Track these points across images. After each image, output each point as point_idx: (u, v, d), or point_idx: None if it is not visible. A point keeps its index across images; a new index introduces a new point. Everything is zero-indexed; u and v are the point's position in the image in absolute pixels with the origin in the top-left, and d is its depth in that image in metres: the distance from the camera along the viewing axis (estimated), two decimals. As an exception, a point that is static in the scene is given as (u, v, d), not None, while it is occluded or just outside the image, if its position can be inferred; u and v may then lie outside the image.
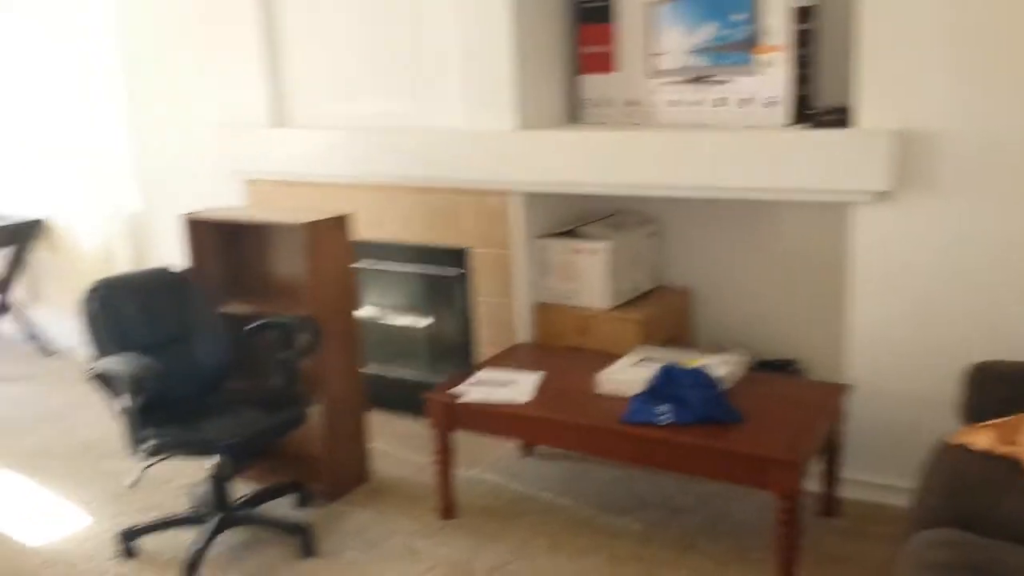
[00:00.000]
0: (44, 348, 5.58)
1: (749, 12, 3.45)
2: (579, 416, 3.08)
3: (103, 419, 4.11)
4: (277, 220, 3.51)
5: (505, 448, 3.88)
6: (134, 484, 3.64)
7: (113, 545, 3.27)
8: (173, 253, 4.44)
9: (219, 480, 3.23)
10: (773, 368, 3.73)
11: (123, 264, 5.09)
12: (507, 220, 3.84)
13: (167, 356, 3.20)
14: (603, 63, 3.84)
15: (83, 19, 4.96)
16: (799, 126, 3.37)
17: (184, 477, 3.71)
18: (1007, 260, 3.04)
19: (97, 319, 3.11)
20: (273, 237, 3.77)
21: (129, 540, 3.25)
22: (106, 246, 5.22)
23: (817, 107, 3.40)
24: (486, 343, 3.99)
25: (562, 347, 3.80)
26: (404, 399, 4.13)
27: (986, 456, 2.45)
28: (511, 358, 3.67)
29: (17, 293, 5.55)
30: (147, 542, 3.29)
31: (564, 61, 3.96)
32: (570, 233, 3.87)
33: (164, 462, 3.11)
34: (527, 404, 3.18)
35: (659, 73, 3.71)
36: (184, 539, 3.21)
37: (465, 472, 3.65)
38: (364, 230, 4.13)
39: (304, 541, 3.21)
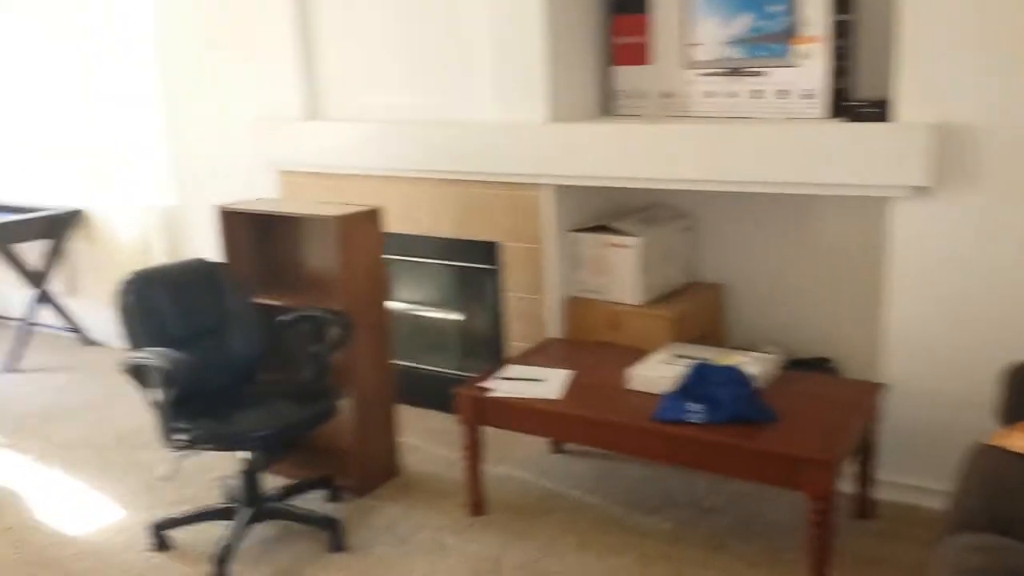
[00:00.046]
0: (83, 339, 5.65)
1: (787, 2, 3.39)
2: (609, 413, 3.05)
3: (139, 410, 4.15)
4: (309, 212, 3.52)
5: (535, 444, 3.86)
6: (167, 476, 3.66)
7: (145, 537, 3.30)
8: (208, 245, 4.47)
9: (251, 473, 3.24)
10: (808, 366, 3.68)
11: (159, 256, 5.14)
12: (539, 214, 3.82)
13: (201, 348, 3.22)
14: (637, 54, 3.80)
15: (121, 14, 4.99)
16: (837, 119, 3.32)
17: (217, 470, 3.74)
18: (1049, 258, 2.97)
19: (131, 311, 3.13)
20: (306, 229, 3.78)
21: (161, 532, 3.27)
22: (143, 238, 5.27)
23: (855, 100, 3.33)
24: (517, 338, 3.98)
25: (593, 342, 3.78)
26: (434, 393, 4.12)
27: (1024, 459, 2.39)
28: (541, 353, 3.66)
29: (56, 284, 5.61)
30: (179, 534, 3.31)
31: (597, 52, 3.92)
32: (602, 227, 3.84)
33: (197, 454, 3.13)
34: (557, 400, 3.16)
35: (694, 64, 3.66)
36: (216, 532, 3.23)
37: (494, 468, 3.64)
38: (396, 223, 4.13)
39: (334, 535, 3.22)
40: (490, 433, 3.33)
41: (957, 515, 2.29)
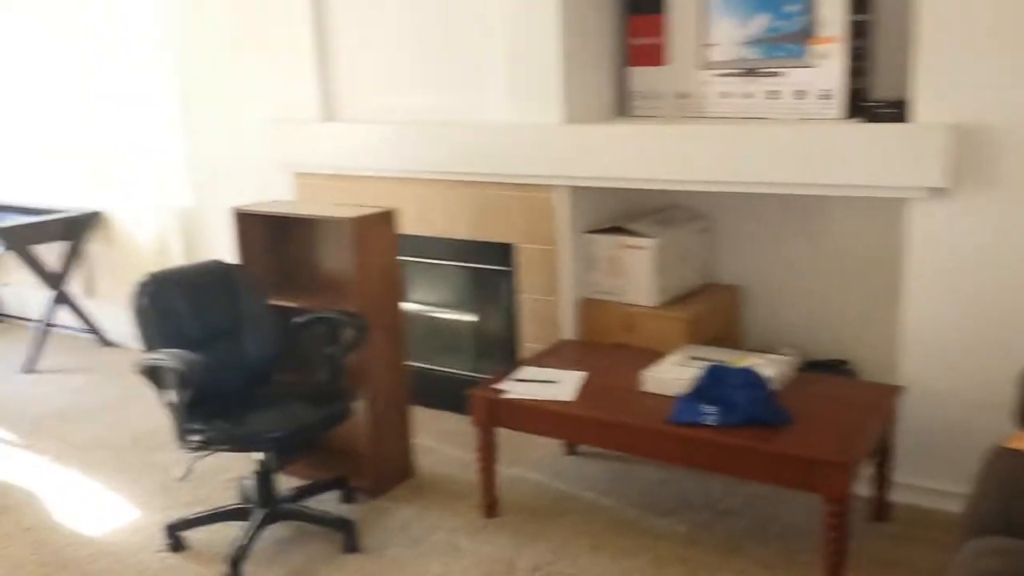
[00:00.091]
0: (100, 340, 5.69)
1: (804, 2, 3.38)
2: (623, 415, 3.04)
3: (155, 411, 4.12)
4: (324, 214, 3.52)
5: (548, 446, 3.85)
6: (183, 477, 3.67)
7: (161, 538, 3.30)
8: (225, 246, 4.48)
9: (265, 474, 3.25)
10: (825, 368, 3.66)
11: (176, 257, 5.17)
12: (554, 215, 3.81)
13: (217, 349, 3.22)
14: (653, 55, 3.79)
15: (136, 15, 5.02)
16: (854, 120, 3.29)
17: (232, 470, 3.74)
18: (1069, 259, 2.94)
19: (147, 313, 3.14)
20: (321, 231, 3.78)
21: (176, 533, 3.28)
22: (160, 239, 5.29)
23: (872, 100, 3.31)
24: (531, 339, 3.97)
25: (607, 344, 3.76)
26: (449, 395, 4.12)
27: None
28: (556, 355, 3.65)
29: (73, 285, 5.64)
30: (194, 535, 3.31)
31: (612, 53, 3.92)
32: (618, 228, 3.82)
33: (212, 455, 3.13)
34: (571, 402, 3.14)
35: (711, 65, 3.65)
36: (231, 533, 3.24)
37: (508, 470, 3.64)
38: (410, 225, 4.12)
39: (348, 536, 3.22)
40: (504, 435, 3.32)
41: (973, 518, 2.26)
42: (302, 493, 3.45)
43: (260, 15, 4.51)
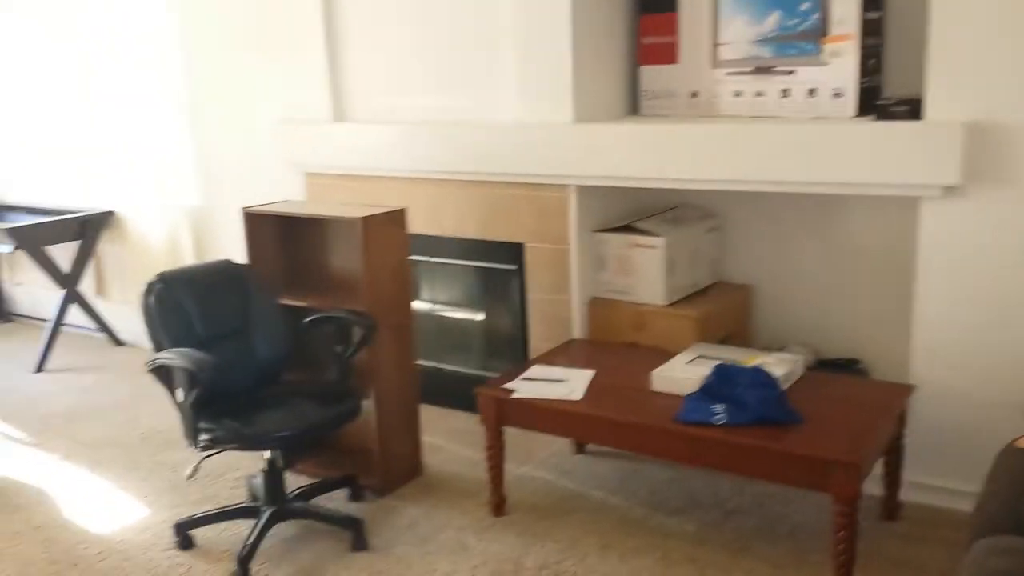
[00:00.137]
0: (112, 339, 5.70)
1: (816, 0, 3.35)
2: (632, 415, 3.02)
3: (165, 410, 4.14)
4: (334, 214, 3.52)
5: (557, 445, 3.84)
6: (191, 476, 3.68)
7: (169, 536, 3.31)
8: (236, 246, 4.49)
9: (274, 473, 3.25)
10: (836, 367, 3.64)
11: (188, 257, 5.18)
12: (563, 214, 3.80)
13: (226, 348, 3.22)
14: (664, 54, 3.78)
15: (145, 15, 5.04)
16: (867, 118, 3.27)
17: (241, 469, 3.75)
18: (1083, 258, 2.91)
19: (157, 312, 3.14)
20: (330, 231, 3.78)
21: (184, 531, 3.28)
22: (172, 239, 5.30)
23: (886, 98, 3.28)
24: (540, 338, 3.96)
25: (617, 343, 3.75)
26: (458, 393, 4.11)
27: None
28: (564, 354, 3.63)
29: (85, 285, 5.66)
30: (203, 533, 3.32)
31: (624, 52, 3.90)
32: (627, 227, 3.81)
33: (222, 454, 3.14)
34: (579, 401, 3.13)
35: (722, 63, 3.63)
36: (239, 531, 3.25)
37: (517, 468, 3.63)
38: (420, 224, 4.13)
39: (356, 535, 3.21)
40: (513, 433, 3.31)
41: (983, 518, 2.24)
42: (310, 491, 3.45)
43: (271, 15, 4.52)
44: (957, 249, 3.08)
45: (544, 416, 3.19)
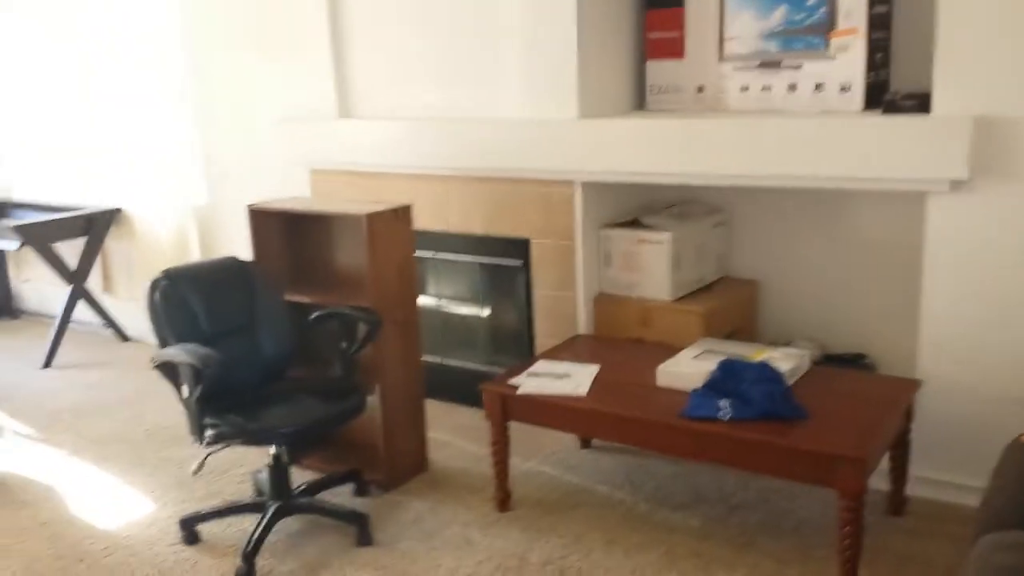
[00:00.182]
0: (119, 335, 5.72)
1: (823, -6, 3.34)
2: (637, 410, 3.01)
3: (172, 406, 4.16)
4: (339, 211, 3.52)
5: (562, 440, 3.84)
6: (197, 471, 3.68)
7: (175, 531, 3.31)
8: (242, 243, 4.49)
9: (279, 468, 3.25)
10: (843, 362, 3.63)
11: (195, 254, 5.19)
12: (569, 210, 3.79)
13: (232, 345, 3.22)
14: (671, 48, 3.77)
15: (152, 12, 5.05)
16: (874, 112, 3.25)
17: (247, 464, 3.76)
18: (1090, 252, 2.89)
19: (162, 309, 3.14)
20: (336, 227, 3.78)
21: (190, 527, 3.28)
22: (179, 236, 5.31)
23: (894, 93, 3.27)
24: (545, 334, 3.95)
25: (622, 339, 3.74)
26: (463, 389, 4.11)
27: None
28: (570, 349, 3.63)
29: (93, 281, 5.67)
30: (208, 528, 3.32)
31: (630, 47, 3.89)
32: (633, 223, 3.80)
33: (227, 449, 3.14)
34: (584, 397, 3.13)
35: (729, 58, 3.62)
36: (244, 526, 3.25)
37: (522, 464, 3.63)
38: (426, 220, 4.12)
39: (361, 530, 3.21)
40: (518, 428, 3.31)
41: (989, 513, 2.23)
42: (316, 487, 3.45)
43: (276, 12, 4.52)
44: (964, 244, 3.06)
45: (549, 411, 3.19)
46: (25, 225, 5.24)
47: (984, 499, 2.30)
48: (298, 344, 3.46)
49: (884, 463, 3.09)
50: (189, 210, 5.24)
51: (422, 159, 4.08)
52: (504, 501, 3.36)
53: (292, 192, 4.41)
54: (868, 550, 2.82)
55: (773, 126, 3.30)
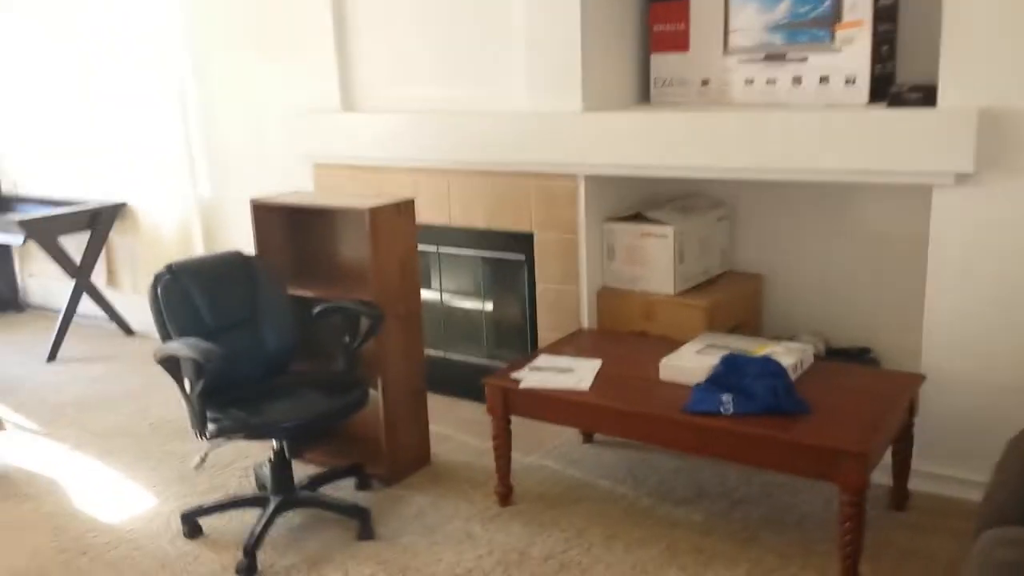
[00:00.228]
0: (124, 329, 5.72)
1: (828, -14, 3.32)
2: (639, 404, 3.01)
3: (175, 400, 4.14)
4: (342, 205, 3.51)
5: (565, 434, 3.83)
6: (199, 465, 3.68)
7: (177, 525, 3.31)
8: (246, 237, 4.49)
9: (281, 462, 3.25)
10: (847, 356, 3.62)
11: (199, 248, 5.19)
12: (572, 204, 3.77)
13: (235, 339, 3.23)
14: (675, 41, 3.75)
15: (155, 12, 5.05)
16: (880, 105, 3.23)
17: (249, 458, 3.75)
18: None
19: (164, 303, 3.14)
20: (338, 221, 3.78)
21: (192, 520, 3.28)
22: (182, 230, 5.31)
23: (899, 85, 3.25)
24: (548, 328, 3.94)
25: (625, 333, 3.73)
26: (465, 383, 4.10)
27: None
28: (572, 343, 3.62)
29: (97, 275, 5.67)
30: (210, 522, 3.32)
31: (634, 40, 3.88)
32: (637, 216, 3.79)
33: (230, 444, 3.14)
34: (586, 391, 3.11)
35: (734, 51, 3.60)
36: (246, 520, 3.25)
37: (524, 458, 3.62)
38: (428, 214, 4.11)
39: (363, 524, 3.21)
40: (520, 422, 3.30)
41: (992, 508, 2.22)
42: (318, 480, 3.45)
43: (279, 6, 4.51)
44: (969, 238, 3.04)
45: (551, 406, 3.17)
46: (30, 220, 5.25)
47: (987, 494, 2.29)
48: (300, 338, 3.45)
49: (887, 457, 3.08)
50: (193, 204, 5.24)
51: (425, 152, 4.06)
52: (506, 495, 3.35)
53: (295, 186, 4.40)
54: (870, 545, 2.81)
55: (778, 119, 3.28)
